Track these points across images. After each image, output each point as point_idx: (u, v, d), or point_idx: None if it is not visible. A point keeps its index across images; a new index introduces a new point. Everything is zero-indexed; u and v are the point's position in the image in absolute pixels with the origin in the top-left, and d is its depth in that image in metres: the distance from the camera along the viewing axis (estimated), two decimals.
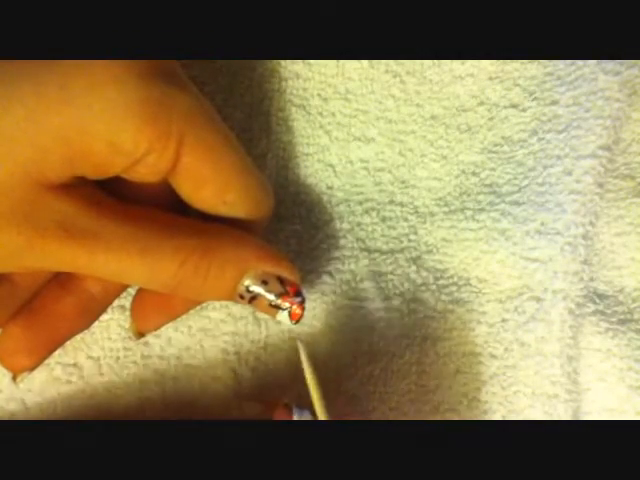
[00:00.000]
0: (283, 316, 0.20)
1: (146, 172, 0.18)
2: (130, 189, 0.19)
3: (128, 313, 0.23)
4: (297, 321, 0.20)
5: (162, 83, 0.17)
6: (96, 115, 0.16)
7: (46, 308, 0.20)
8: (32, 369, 0.21)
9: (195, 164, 0.18)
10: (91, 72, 0.16)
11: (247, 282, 0.19)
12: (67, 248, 0.17)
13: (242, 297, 0.19)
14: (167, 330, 0.24)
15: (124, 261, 0.17)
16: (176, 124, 0.17)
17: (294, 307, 0.20)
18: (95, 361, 0.24)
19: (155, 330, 0.22)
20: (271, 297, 0.20)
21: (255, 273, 0.19)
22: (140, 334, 0.22)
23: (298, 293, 0.20)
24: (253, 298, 0.19)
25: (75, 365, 0.24)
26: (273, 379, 0.24)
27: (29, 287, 0.20)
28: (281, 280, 0.20)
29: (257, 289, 0.19)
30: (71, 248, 0.17)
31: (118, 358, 0.24)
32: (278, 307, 0.20)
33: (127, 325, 0.24)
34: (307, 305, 0.23)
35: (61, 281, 0.20)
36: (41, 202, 0.16)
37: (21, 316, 0.20)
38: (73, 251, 0.17)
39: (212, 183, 0.18)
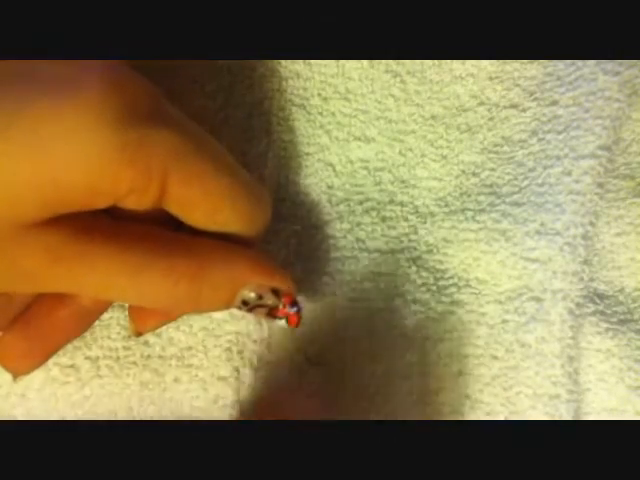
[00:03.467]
0: (282, 323, 0.21)
1: (132, 205, 0.17)
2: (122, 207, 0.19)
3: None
4: (296, 326, 0.21)
5: (139, 124, 0.16)
6: (70, 163, 0.15)
7: (41, 319, 0.20)
8: (30, 372, 0.21)
9: (182, 193, 0.17)
10: (64, 117, 0.15)
11: (242, 297, 0.19)
12: (54, 274, 0.17)
13: (239, 309, 0.20)
14: (168, 330, 0.24)
15: (113, 284, 0.17)
16: (157, 164, 0.16)
17: (290, 317, 0.20)
18: (94, 361, 0.24)
19: (153, 330, 0.22)
20: (266, 310, 0.20)
21: (250, 288, 0.19)
22: (139, 333, 0.22)
23: (293, 303, 0.20)
24: (250, 309, 0.20)
25: (73, 366, 0.23)
26: (277, 379, 0.24)
27: (25, 298, 0.20)
28: (276, 292, 0.20)
29: (253, 302, 0.20)
30: (58, 274, 0.17)
31: (118, 358, 0.24)
32: (275, 317, 0.20)
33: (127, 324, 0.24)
34: (308, 306, 0.24)
35: (55, 293, 0.20)
36: (23, 239, 0.16)
37: (17, 326, 0.20)
38: (60, 276, 0.17)
39: (201, 207, 0.18)
